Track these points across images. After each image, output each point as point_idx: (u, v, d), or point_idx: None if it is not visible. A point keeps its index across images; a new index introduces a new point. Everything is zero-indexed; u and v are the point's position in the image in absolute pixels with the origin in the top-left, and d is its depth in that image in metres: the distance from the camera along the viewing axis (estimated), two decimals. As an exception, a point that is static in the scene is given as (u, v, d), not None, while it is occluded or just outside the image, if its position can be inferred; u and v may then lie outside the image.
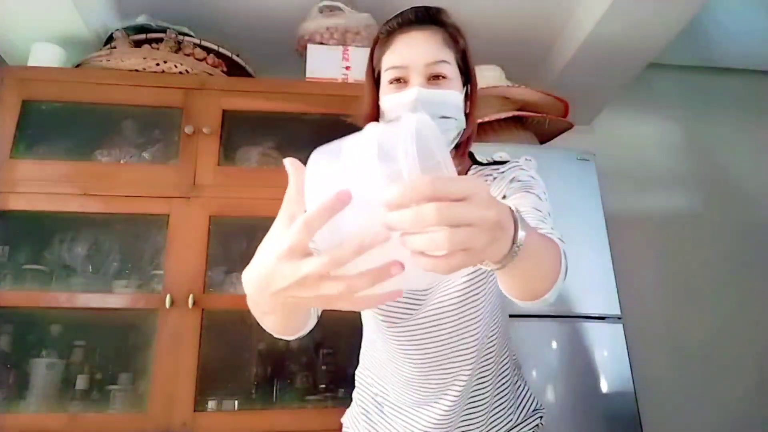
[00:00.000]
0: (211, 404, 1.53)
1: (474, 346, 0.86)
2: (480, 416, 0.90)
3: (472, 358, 0.86)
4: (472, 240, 0.38)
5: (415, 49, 0.82)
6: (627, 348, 1.70)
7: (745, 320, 2.41)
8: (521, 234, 0.45)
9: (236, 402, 1.57)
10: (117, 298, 1.59)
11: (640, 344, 1.93)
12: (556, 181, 1.84)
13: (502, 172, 0.89)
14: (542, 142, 2.12)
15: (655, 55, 2.18)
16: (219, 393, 1.56)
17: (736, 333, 2.38)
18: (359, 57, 1.90)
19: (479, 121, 1.90)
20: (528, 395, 0.98)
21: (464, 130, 0.87)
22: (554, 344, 1.68)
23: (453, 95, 0.83)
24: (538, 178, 0.87)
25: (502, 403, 0.93)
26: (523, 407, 0.95)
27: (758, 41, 2.60)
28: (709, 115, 2.76)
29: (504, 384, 0.94)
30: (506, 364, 0.96)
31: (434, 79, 0.82)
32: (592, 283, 1.75)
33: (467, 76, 0.88)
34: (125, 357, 1.64)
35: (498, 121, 1.94)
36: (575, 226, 1.78)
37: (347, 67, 1.89)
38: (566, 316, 1.70)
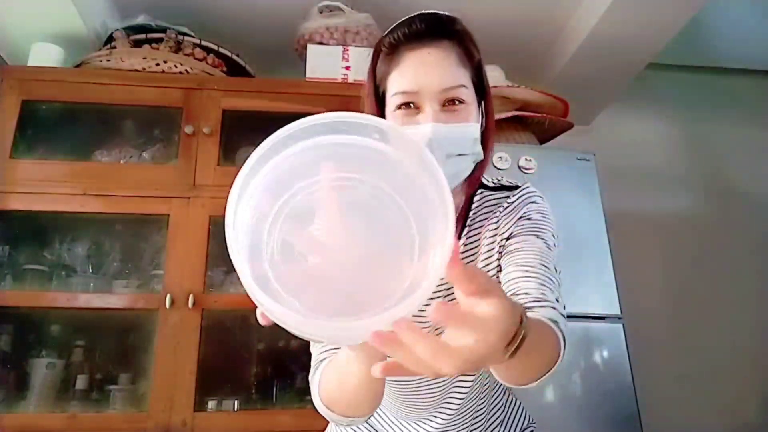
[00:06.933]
0: (211, 404, 1.53)
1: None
2: None
3: (469, 382, 0.83)
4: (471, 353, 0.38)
5: (429, 72, 0.71)
6: (627, 348, 1.69)
7: (745, 320, 2.41)
8: (522, 338, 0.43)
9: (236, 402, 1.57)
10: (117, 298, 1.59)
11: (640, 344, 1.92)
12: (556, 181, 1.85)
13: (512, 202, 0.81)
14: (542, 142, 2.12)
15: (655, 55, 2.18)
16: (219, 393, 1.56)
17: (736, 333, 2.38)
18: (359, 57, 1.90)
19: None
20: (520, 411, 0.95)
21: (481, 161, 0.78)
22: (554, 344, 1.68)
23: (470, 129, 0.73)
24: (550, 215, 0.80)
25: (497, 420, 0.90)
26: (517, 423, 0.93)
27: (758, 41, 2.60)
28: (708, 115, 2.76)
29: (498, 400, 0.92)
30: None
31: (450, 104, 0.72)
32: (592, 283, 1.75)
33: (482, 93, 0.79)
34: (125, 357, 1.64)
35: (498, 121, 1.93)
36: (575, 226, 1.78)
37: (347, 67, 1.89)
38: (566, 316, 1.69)
